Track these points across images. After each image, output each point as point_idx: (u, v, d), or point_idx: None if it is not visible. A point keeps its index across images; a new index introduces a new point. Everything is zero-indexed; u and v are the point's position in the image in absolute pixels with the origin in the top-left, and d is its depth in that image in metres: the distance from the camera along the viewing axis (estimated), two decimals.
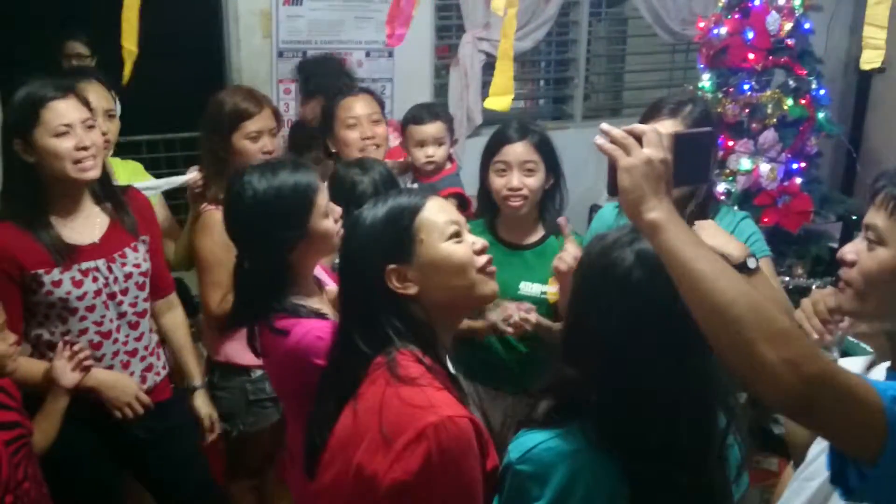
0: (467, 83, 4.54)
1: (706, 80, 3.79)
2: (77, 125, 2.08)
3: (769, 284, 1.95)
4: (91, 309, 2.17)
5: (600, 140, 1.26)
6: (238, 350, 2.51)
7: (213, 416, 2.51)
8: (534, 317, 2.27)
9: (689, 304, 1.15)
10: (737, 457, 1.38)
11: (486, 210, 2.50)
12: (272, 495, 2.84)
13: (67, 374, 2.08)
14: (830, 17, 4.59)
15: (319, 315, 1.78)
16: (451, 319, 1.54)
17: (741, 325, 1.08)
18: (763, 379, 1.08)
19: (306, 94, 3.52)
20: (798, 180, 3.66)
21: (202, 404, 2.50)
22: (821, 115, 3.71)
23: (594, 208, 3.93)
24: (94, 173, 2.13)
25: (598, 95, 5.49)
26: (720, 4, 3.84)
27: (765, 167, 3.61)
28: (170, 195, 2.95)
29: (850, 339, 1.68)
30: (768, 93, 3.66)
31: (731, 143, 3.67)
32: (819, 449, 1.44)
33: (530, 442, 1.32)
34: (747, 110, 3.66)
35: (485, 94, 3.52)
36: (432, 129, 2.81)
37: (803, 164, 3.68)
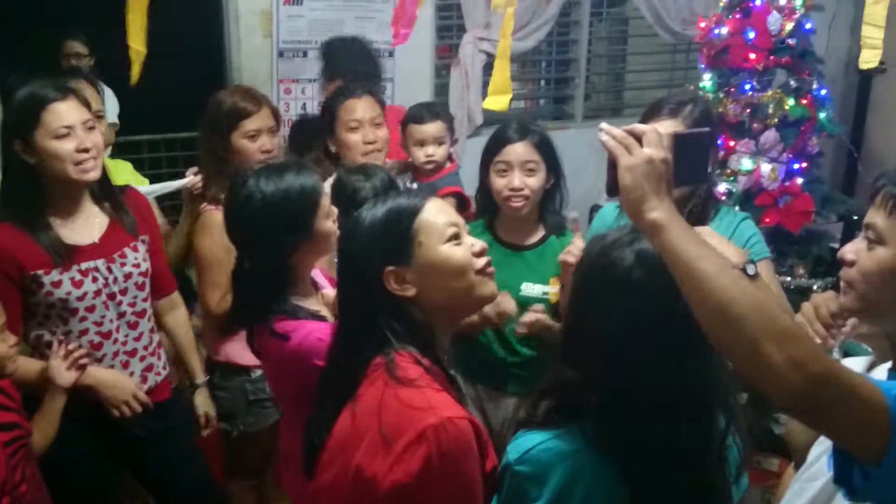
0: (468, 83, 4.54)
1: (707, 80, 3.79)
2: (77, 126, 2.08)
3: (769, 289, 1.94)
4: (91, 309, 2.17)
5: (605, 137, 1.26)
6: (238, 350, 2.52)
7: (209, 413, 2.52)
8: (544, 316, 2.28)
9: (692, 304, 1.15)
10: (736, 457, 1.37)
11: (485, 210, 2.49)
12: (271, 495, 2.84)
13: (63, 374, 2.08)
14: (832, 17, 4.58)
15: (317, 317, 1.78)
16: (449, 321, 1.53)
17: (745, 323, 1.08)
18: (767, 378, 1.07)
19: (328, 76, 3.51)
20: (799, 180, 3.65)
21: (202, 402, 2.51)
22: (822, 115, 3.70)
23: (594, 208, 3.92)
24: (95, 174, 2.13)
25: (599, 95, 5.49)
26: (721, 4, 3.84)
27: (766, 167, 3.61)
28: (169, 196, 2.94)
29: (850, 340, 1.67)
30: (769, 93, 3.66)
31: (732, 143, 3.66)
32: (820, 450, 1.44)
33: (529, 443, 1.32)
34: (748, 110, 3.65)
35: (485, 94, 3.51)
36: (432, 128, 2.81)
37: (804, 165, 3.67)
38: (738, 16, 3.72)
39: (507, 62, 2.96)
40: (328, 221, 1.85)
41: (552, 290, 2.41)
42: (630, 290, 1.27)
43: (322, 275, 2.07)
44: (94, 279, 2.16)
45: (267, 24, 4.16)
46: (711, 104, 3.47)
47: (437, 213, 1.48)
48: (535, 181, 2.33)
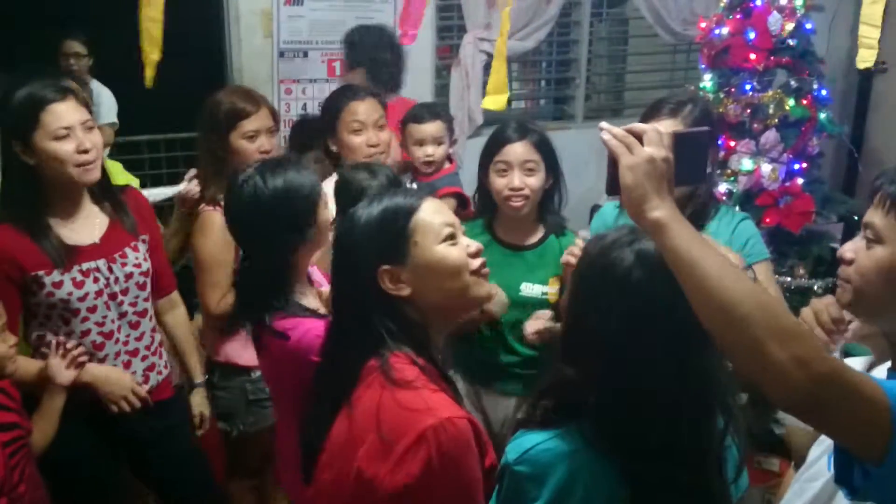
0: (468, 83, 4.54)
1: (707, 81, 3.79)
2: (77, 127, 2.07)
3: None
4: (92, 310, 2.17)
5: (606, 136, 1.25)
6: (238, 350, 2.52)
7: (204, 414, 2.52)
8: (547, 324, 2.28)
9: (694, 303, 1.15)
10: (735, 457, 1.37)
11: (484, 210, 2.49)
12: (272, 495, 2.84)
13: (63, 372, 2.08)
14: (832, 17, 4.58)
15: (316, 314, 1.78)
16: (444, 321, 1.53)
17: (748, 323, 1.08)
18: (771, 377, 1.07)
19: (350, 65, 3.51)
20: (800, 181, 3.65)
21: (198, 402, 2.51)
22: (822, 116, 3.70)
23: (595, 208, 3.92)
24: (96, 175, 2.13)
25: (600, 96, 5.49)
26: (722, 5, 3.84)
27: (766, 167, 3.61)
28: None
29: None
30: (770, 93, 3.65)
31: (732, 144, 3.66)
32: (821, 450, 1.43)
33: (528, 443, 1.32)
34: (749, 111, 3.65)
35: (486, 95, 3.51)
36: (432, 128, 2.81)
37: (805, 165, 3.67)
38: (738, 16, 3.72)
39: (503, 62, 2.97)
40: (327, 217, 1.87)
41: (551, 290, 2.40)
42: (630, 290, 1.27)
43: (319, 272, 2.08)
44: (96, 279, 2.16)
45: (267, 25, 4.16)
46: (712, 104, 3.47)
47: (433, 213, 1.47)
48: (535, 181, 2.33)
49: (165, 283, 2.43)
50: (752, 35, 3.63)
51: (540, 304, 2.38)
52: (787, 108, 3.62)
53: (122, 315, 2.24)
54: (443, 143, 2.84)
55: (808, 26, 3.71)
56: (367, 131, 2.65)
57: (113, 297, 2.20)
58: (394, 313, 1.44)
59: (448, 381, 1.48)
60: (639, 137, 1.24)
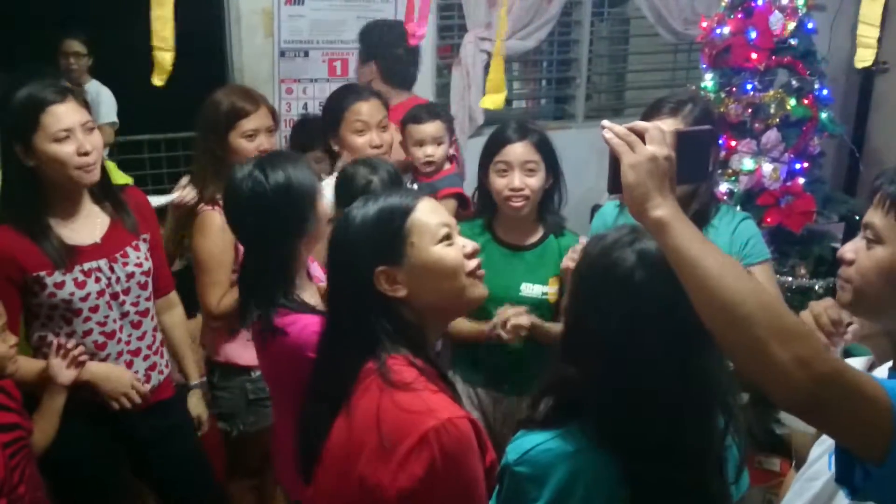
0: (469, 83, 4.53)
1: (709, 80, 3.78)
2: (77, 129, 2.06)
3: None
4: (94, 310, 2.17)
5: (608, 134, 1.25)
6: (238, 350, 2.52)
7: (202, 416, 2.52)
8: (526, 319, 2.25)
9: (696, 303, 1.14)
10: (736, 457, 1.37)
11: (484, 210, 2.49)
12: (272, 495, 2.84)
13: (64, 372, 2.09)
14: (833, 16, 4.57)
15: (314, 310, 1.79)
16: (440, 322, 1.53)
17: (751, 322, 1.08)
18: (773, 377, 1.07)
19: (363, 58, 3.54)
20: (801, 180, 3.64)
21: (194, 404, 2.51)
22: (824, 115, 3.69)
23: (595, 208, 3.91)
24: (96, 176, 2.13)
25: (601, 95, 5.48)
26: (723, 4, 3.83)
27: (767, 167, 3.60)
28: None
29: None
30: (771, 93, 3.64)
31: (733, 143, 3.65)
32: (821, 449, 1.43)
33: (528, 443, 1.32)
34: (750, 110, 3.64)
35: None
36: (431, 128, 2.81)
37: (806, 164, 3.66)
38: (739, 15, 3.71)
39: (501, 62, 2.97)
40: (325, 208, 1.91)
41: (551, 290, 2.40)
42: (632, 290, 1.27)
43: (318, 267, 2.08)
44: (97, 279, 2.16)
45: (268, 24, 4.15)
46: (713, 104, 3.47)
47: (429, 213, 1.46)
48: (535, 181, 2.33)
49: (163, 284, 2.43)
50: (753, 35, 3.62)
51: (540, 304, 2.38)
52: (789, 107, 3.61)
53: (124, 315, 2.24)
54: (443, 143, 2.84)
55: (810, 26, 3.70)
56: (371, 132, 2.65)
57: (115, 296, 2.20)
58: (390, 314, 1.43)
59: (447, 381, 1.48)
60: (641, 136, 1.24)
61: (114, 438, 2.30)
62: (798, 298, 3.36)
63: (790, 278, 3.60)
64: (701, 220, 2.11)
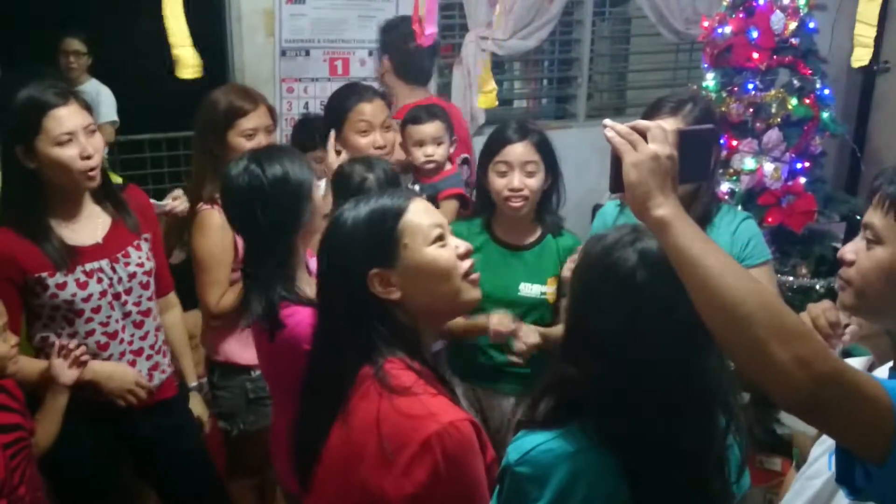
0: (470, 83, 4.52)
1: (710, 80, 3.77)
2: (79, 132, 2.05)
3: None
4: (97, 310, 2.17)
5: (610, 133, 1.25)
6: (238, 349, 2.52)
7: (202, 417, 2.53)
8: (534, 338, 2.30)
9: (697, 302, 1.14)
10: (737, 457, 1.37)
11: (483, 210, 2.49)
12: (272, 494, 2.84)
13: (66, 371, 2.08)
14: (835, 16, 4.56)
15: (314, 303, 1.79)
16: (435, 324, 1.52)
17: (751, 322, 1.08)
18: (773, 377, 1.07)
19: (380, 53, 3.65)
20: (802, 180, 3.63)
21: (194, 405, 2.52)
22: (825, 115, 3.68)
23: (597, 208, 3.91)
24: (99, 179, 2.13)
25: (602, 95, 5.47)
26: (724, 4, 3.82)
27: (769, 167, 3.59)
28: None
29: None
30: (772, 92, 3.64)
31: (735, 143, 3.65)
32: (822, 449, 1.43)
33: (529, 444, 1.32)
34: (751, 110, 3.64)
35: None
36: (431, 128, 2.80)
37: (807, 164, 3.65)
38: (741, 15, 3.70)
39: (488, 61, 3.06)
40: (320, 199, 1.94)
41: (550, 289, 2.40)
42: (633, 290, 1.27)
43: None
44: (99, 280, 2.16)
45: (270, 24, 4.15)
46: (714, 103, 3.46)
47: (421, 214, 1.45)
48: (535, 181, 2.33)
49: (163, 284, 2.43)
50: (754, 34, 3.62)
51: (539, 304, 2.38)
52: (790, 107, 3.60)
53: (127, 315, 2.24)
54: (442, 142, 2.84)
55: (811, 25, 3.70)
56: (374, 132, 2.66)
57: (117, 296, 2.20)
58: (385, 317, 1.42)
59: (445, 383, 1.47)
60: (643, 134, 1.24)
61: (116, 438, 2.31)
62: (799, 298, 3.36)
63: (791, 278, 3.60)
64: (702, 219, 2.10)
